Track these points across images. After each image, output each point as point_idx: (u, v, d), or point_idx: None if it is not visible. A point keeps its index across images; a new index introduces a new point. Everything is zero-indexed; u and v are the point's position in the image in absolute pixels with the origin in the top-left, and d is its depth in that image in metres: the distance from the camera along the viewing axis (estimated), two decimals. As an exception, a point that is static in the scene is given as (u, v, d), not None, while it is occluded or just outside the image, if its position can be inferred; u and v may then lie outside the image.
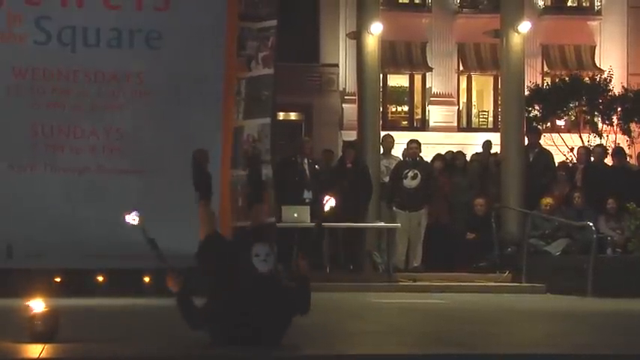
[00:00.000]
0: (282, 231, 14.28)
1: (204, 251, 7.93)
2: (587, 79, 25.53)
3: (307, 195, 15.52)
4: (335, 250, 16.14)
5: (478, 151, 19.17)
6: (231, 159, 13.58)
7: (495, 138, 19.46)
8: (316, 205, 14.32)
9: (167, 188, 13.17)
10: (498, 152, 18.27)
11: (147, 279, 12.98)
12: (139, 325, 9.19)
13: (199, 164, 8.54)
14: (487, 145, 19.08)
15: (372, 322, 9.90)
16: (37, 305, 7.36)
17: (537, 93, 24.68)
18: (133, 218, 7.48)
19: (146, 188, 13.16)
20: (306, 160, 15.95)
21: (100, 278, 13.04)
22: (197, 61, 13.42)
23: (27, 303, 7.47)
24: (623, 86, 25.09)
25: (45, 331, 7.17)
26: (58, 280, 12.74)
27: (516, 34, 17.76)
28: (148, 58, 13.42)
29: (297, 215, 15.00)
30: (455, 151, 19.01)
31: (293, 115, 28.31)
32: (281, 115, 25.47)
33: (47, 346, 6.87)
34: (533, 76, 26.21)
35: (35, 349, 6.72)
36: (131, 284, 12.76)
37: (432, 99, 29.18)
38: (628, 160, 19.16)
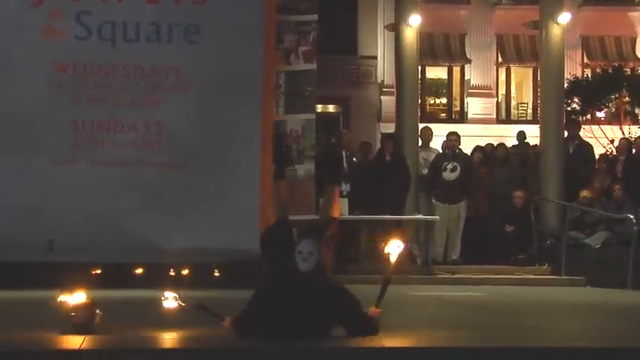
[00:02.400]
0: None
1: (267, 238, 7.89)
2: (627, 70, 25.31)
3: (345, 188, 15.53)
4: (373, 243, 16.15)
5: (516, 144, 19.10)
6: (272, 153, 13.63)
7: (534, 130, 19.38)
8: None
9: (207, 183, 13.25)
10: (538, 144, 18.19)
11: (185, 272, 13.07)
12: (177, 317, 9.25)
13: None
14: (521, 135, 19.01)
15: (411, 314, 9.89)
16: (78, 297, 7.44)
17: (577, 85, 24.52)
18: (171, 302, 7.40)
19: (186, 182, 13.26)
20: (344, 153, 15.96)
21: (140, 270, 13.15)
22: (236, 55, 13.47)
23: (67, 294, 7.54)
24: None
25: (85, 322, 7.24)
26: (98, 271, 12.84)
27: (556, 25, 17.67)
28: (187, 52, 13.50)
29: (335, 208, 15.01)
30: (495, 143, 18.96)
31: (331, 108, 28.32)
32: (319, 108, 25.48)
33: (87, 337, 6.94)
34: (573, 68, 26.02)
35: (76, 341, 6.80)
36: (169, 277, 12.83)
37: (470, 91, 29.06)
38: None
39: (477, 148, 18.06)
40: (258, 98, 13.60)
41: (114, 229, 12.97)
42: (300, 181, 13.89)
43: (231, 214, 13.26)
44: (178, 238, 13.15)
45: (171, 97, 13.44)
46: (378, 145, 18.18)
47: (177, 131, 13.41)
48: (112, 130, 13.33)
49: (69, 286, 7.84)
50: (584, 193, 16.17)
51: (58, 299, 7.62)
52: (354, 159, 16.38)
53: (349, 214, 15.14)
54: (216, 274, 12.97)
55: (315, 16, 14.01)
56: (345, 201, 15.19)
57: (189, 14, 13.55)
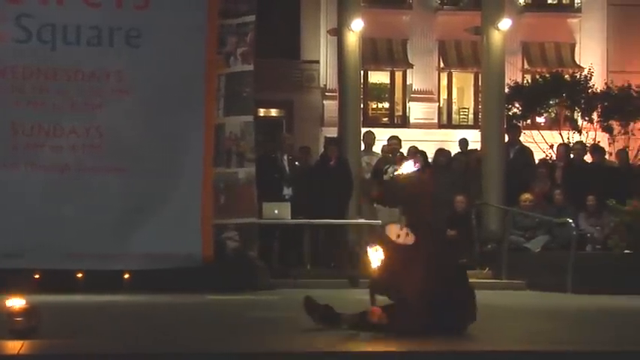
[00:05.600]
0: (264, 228, 14.30)
1: None
2: (567, 76, 25.62)
3: (287, 191, 15.52)
4: (316, 247, 16.17)
5: (458, 150, 19.23)
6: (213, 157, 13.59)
7: (476, 135, 19.52)
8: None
9: (149, 187, 13.17)
10: (479, 149, 18.32)
11: (126, 275, 13.01)
12: (119, 322, 9.17)
13: None
14: (463, 143, 19.16)
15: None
16: (17, 302, 7.34)
17: (517, 90, 24.77)
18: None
19: (128, 187, 13.15)
20: (285, 157, 15.94)
21: (80, 275, 13.03)
22: (178, 59, 13.41)
23: (6, 300, 7.44)
24: (605, 84, 25.20)
25: (24, 327, 7.15)
26: (37, 276, 12.70)
27: (497, 31, 17.82)
28: (128, 56, 13.40)
29: (278, 212, 15.00)
30: (436, 148, 19.06)
31: (274, 112, 28.32)
32: (261, 112, 25.50)
33: (26, 342, 6.85)
34: (514, 74, 26.27)
35: (14, 346, 6.70)
36: (110, 281, 12.74)
37: (412, 96, 29.22)
38: (608, 157, 19.25)
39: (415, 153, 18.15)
40: (201, 102, 13.54)
41: (54, 234, 12.82)
42: (242, 184, 13.84)
43: (174, 219, 13.18)
44: (120, 243, 13.05)
45: (112, 101, 13.33)
46: (321, 150, 18.19)
47: (119, 135, 13.29)
48: (52, 133, 13.17)
49: (8, 291, 7.74)
50: (525, 198, 16.32)
51: (3, 302, 7.52)
52: (296, 163, 16.35)
53: (292, 219, 15.13)
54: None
55: (252, 17, 13.98)
56: (288, 205, 15.18)
57: (131, 18, 13.45)
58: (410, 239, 7.56)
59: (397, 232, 7.63)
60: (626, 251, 14.96)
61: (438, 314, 7.34)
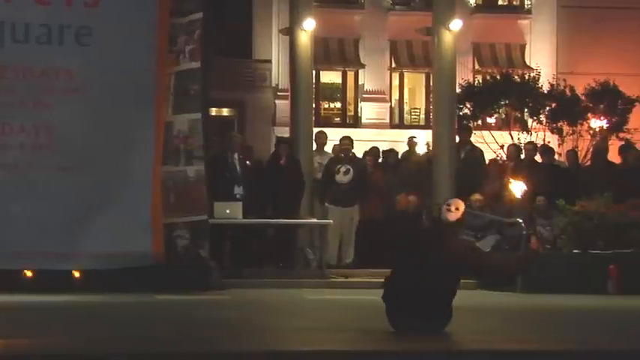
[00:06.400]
0: (215, 227, 14.25)
1: None
2: (516, 77, 25.80)
3: (238, 191, 15.47)
4: (266, 247, 16.16)
5: (407, 149, 19.30)
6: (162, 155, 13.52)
7: (427, 135, 19.58)
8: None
9: (99, 186, 13.07)
10: (430, 149, 18.38)
11: (76, 275, 12.91)
12: (68, 322, 9.10)
13: None
14: (411, 141, 19.23)
15: (305, 318, 9.90)
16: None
17: (468, 91, 24.90)
18: None
19: (78, 186, 13.04)
20: (236, 156, 15.89)
21: (29, 274, 12.91)
22: (129, 57, 13.32)
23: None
24: (551, 84, 25.41)
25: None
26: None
27: (448, 32, 17.88)
28: (78, 54, 13.29)
29: (230, 211, 14.95)
30: (388, 148, 19.12)
31: (225, 111, 28.22)
32: (213, 111, 25.36)
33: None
34: (465, 74, 26.41)
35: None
36: (60, 281, 12.63)
37: (364, 96, 29.28)
38: (558, 158, 19.40)
39: (367, 153, 18.19)
40: (152, 101, 13.48)
41: (3, 233, 12.68)
42: (191, 182, 13.78)
43: (124, 219, 13.10)
44: (70, 243, 12.94)
45: (62, 100, 13.21)
46: (273, 149, 18.15)
47: (69, 134, 13.18)
48: (1, 132, 13.03)
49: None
50: (476, 198, 16.40)
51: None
52: (247, 162, 16.30)
53: (244, 218, 15.09)
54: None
55: (200, 14, 13.92)
56: (240, 205, 15.14)
57: (82, 16, 13.34)
58: None
59: None
60: (575, 251, 15.09)
61: None
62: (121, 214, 13.10)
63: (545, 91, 24.94)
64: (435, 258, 7.83)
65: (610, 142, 21.44)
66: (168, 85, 13.73)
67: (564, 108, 24.33)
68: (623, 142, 21.49)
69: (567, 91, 24.66)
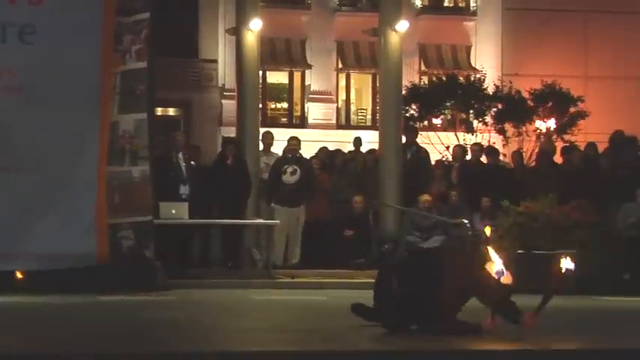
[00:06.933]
0: (161, 228, 14.17)
1: None
2: (462, 78, 25.97)
3: (184, 190, 15.40)
4: (213, 247, 16.10)
5: (352, 150, 19.34)
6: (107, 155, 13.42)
7: (373, 136, 19.63)
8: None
9: (43, 186, 12.94)
10: (376, 150, 18.44)
11: (19, 276, 12.77)
12: (10, 323, 9.00)
13: None
14: (357, 142, 19.29)
15: (251, 318, 9.88)
16: None
17: (415, 92, 25.02)
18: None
19: (19, 186, 12.90)
20: (180, 156, 15.82)
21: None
22: (73, 56, 13.21)
23: None
24: (496, 86, 25.61)
25: None
26: None
27: (394, 33, 17.95)
28: (22, 53, 13.15)
29: (175, 212, 14.88)
30: (334, 149, 19.15)
31: (172, 111, 28.10)
32: (159, 111, 25.23)
33: None
34: (411, 75, 26.56)
35: None
36: (3, 281, 12.48)
37: (311, 96, 29.30)
38: (502, 159, 19.56)
39: (318, 153, 18.23)
40: (97, 100, 13.38)
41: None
42: (136, 182, 13.69)
43: (68, 219, 12.99)
44: (13, 243, 12.80)
45: (4, 99, 13.06)
46: (219, 149, 18.09)
47: (11, 134, 13.03)
48: (-57, 131, 12.87)
49: None
50: (424, 199, 16.48)
51: None
52: (192, 162, 16.22)
53: (190, 218, 15.03)
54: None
55: (147, 14, 13.84)
56: (186, 205, 15.07)
57: (25, 14, 13.20)
58: None
59: None
60: (519, 251, 15.20)
61: None
62: (65, 214, 12.99)
63: (491, 93, 25.14)
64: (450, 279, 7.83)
65: (555, 144, 21.65)
66: (113, 85, 13.63)
67: (510, 109, 24.54)
68: (566, 144, 21.74)
69: (513, 92, 24.87)
